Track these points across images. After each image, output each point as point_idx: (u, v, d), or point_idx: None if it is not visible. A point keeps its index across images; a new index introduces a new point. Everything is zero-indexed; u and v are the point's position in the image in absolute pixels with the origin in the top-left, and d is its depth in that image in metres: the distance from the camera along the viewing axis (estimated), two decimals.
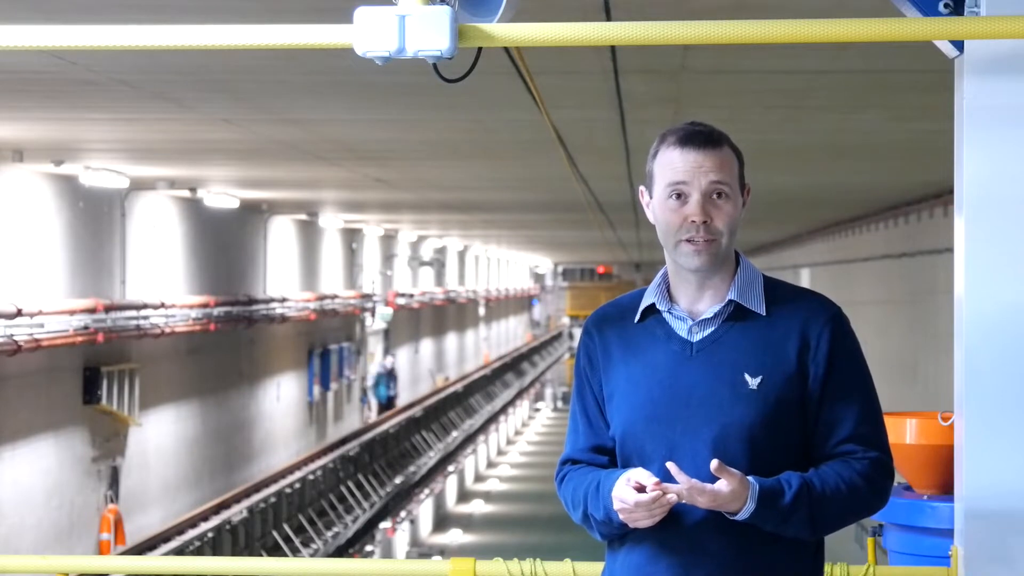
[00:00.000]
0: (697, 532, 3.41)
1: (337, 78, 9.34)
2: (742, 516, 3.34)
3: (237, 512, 19.82)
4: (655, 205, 3.51)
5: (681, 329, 3.50)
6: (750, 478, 3.34)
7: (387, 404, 33.85)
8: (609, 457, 3.55)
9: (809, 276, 32.30)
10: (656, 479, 3.34)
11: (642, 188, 3.57)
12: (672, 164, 3.47)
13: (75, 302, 15.87)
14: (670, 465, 3.32)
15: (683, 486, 3.30)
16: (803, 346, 3.46)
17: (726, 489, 3.30)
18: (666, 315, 3.52)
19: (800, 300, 3.53)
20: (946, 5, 4.00)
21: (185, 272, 20.34)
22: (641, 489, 3.34)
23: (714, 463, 3.30)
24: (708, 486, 3.30)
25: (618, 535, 3.50)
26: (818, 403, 3.47)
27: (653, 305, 3.54)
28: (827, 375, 3.46)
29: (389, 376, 34.10)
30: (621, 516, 3.37)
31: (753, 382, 3.43)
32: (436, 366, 43.38)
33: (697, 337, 3.49)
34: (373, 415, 32.84)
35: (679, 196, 3.46)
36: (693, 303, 3.52)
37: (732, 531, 3.40)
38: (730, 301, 3.49)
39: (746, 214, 3.54)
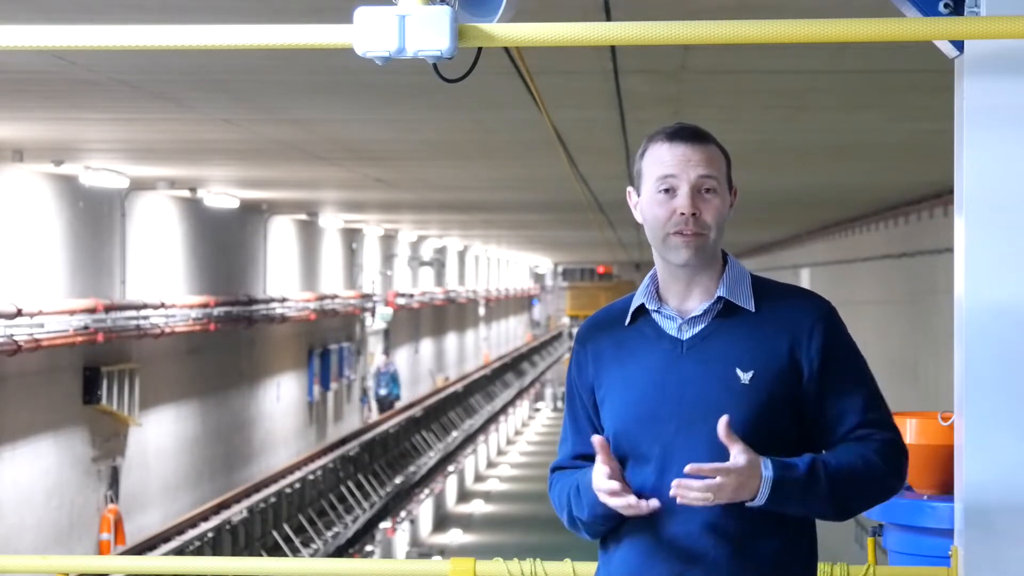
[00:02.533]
0: (692, 531, 3.41)
1: (337, 78, 9.34)
2: (763, 491, 3.32)
3: (237, 512, 19.82)
4: (643, 202, 3.52)
5: (671, 328, 3.51)
6: (760, 457, 3.33)
7: (380, 404, 33.72)
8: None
9: (809, 276, 32.30)
10: (600, 439, 3.39)
11: (629, 189, 3.58)
12: (661, 159, 3.48)
13: (75, 302, 15.87)
14: (690, 467, 3.29)
15: (707, 485, 3.28)
16: (794, 342, 3.47)
17: (743, 460, 3.28)
18: (655, 315, 3.53)
19: (789, 297, 3.54)
20: (946, 5, 4.00)
21: (185, 272, 20.34)
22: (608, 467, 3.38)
23: (722, 425, 3.28)
24: (729, 465, 3.27)
25: (606, 533, 3.51)
26: (818, 399, 3.47)
27: (643, 306, 3.55)
28: (823, 370, 3.46)
29: (379, 376, 33.89)
30: (611, 503, 3.37)
31: (745, 377, 3.43)
32: (436, 366, 43.38)
33: (687, 335, 3.50)
34: (373, 415, 32.82)
35: (668, 190, 3.47)
36: (682, 302, 3.52)
37: (727, 529, 3.40)
38: (719, 298, 3.50)
39: (733, 215, 3.55)
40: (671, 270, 3.52)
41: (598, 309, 3.72)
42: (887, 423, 3.50)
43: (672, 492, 3.30)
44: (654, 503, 3.38)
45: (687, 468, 3.29)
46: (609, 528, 3.49)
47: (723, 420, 3.30)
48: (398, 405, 34.60)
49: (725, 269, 3.53)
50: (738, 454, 3.29)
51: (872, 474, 3.43)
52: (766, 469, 3.32)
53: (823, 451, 3.48)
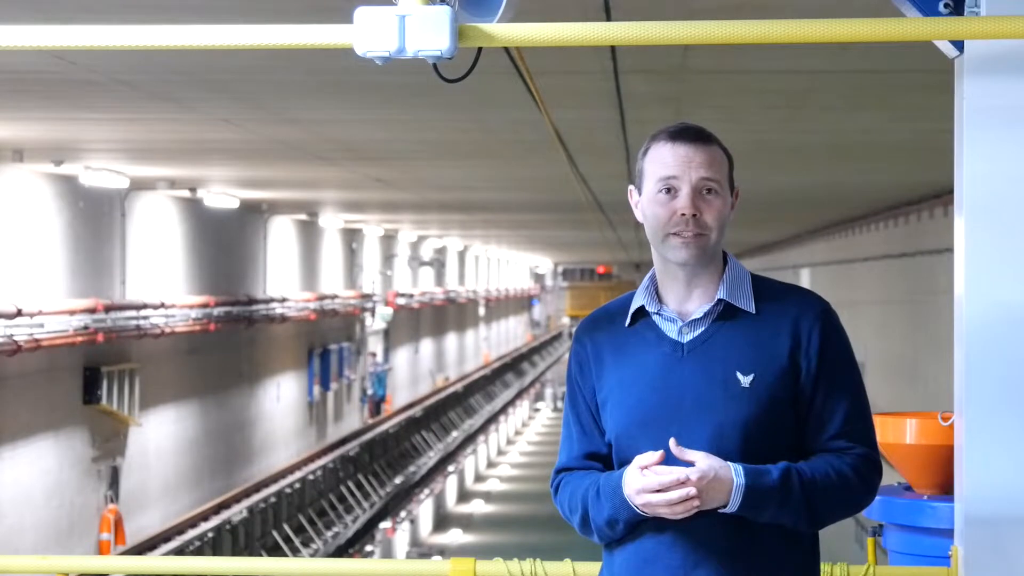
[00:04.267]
0: (693, 534, 3.40)
1: (337, 78, 9.34)
2: (735, 497, 3.32)
3: (237, 512, 19.82)
4: (644, 201, 3.52)
5: (671, 330, 3.50)
6: (728, 463, 3.34)
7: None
8: (603, 464, 3.54)
9: (809, 276, 32.29)
10: (660, 452, 3.34)
11: (631, 187, 3.58)
12: (663, 159, 3.48)
13: (75, 302, 15.86)
14: (648, 478, 3.32)
15: (667, 500, 3.30)
16: (794, 342, 3.46)
17: (704, 462, 3.30)
18: (655, 317, 3.52)
19: (789, 297, 3.54)
20: (946, 5, 4.00)
21: (185, 272, 20.34)
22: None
23: (672, 445, 3.31)
24: (686, 472, 3.29)
25: (619, 537, 3.49)
26: (810, 399, 3.47)
27: (643, 308, 3.54)
28: (818, 371, 3.46)
29: (369, 376, 33.76)
30: (645, 508, 3.34)
31: (745, 380, 3.43)
32: (436, 366, 43.38)
33: (688, 338, 3.49)
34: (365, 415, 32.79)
35: (669, 190, 3.47)
36: (682, 303, 3.52)
37: (728, 532, 3.39)
38: (719, 300, 3.49)
39: (735, 217, 3.55)
40: (670, 270, 3.51)
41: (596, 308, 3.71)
42: (866, 437, 3.50)
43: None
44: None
45: (649, 479, 3.31)
46: (624, 534, 3.47)
47: (671, 441, 3.33)
48: (396, 405, 34.58)
49: (725, 270, 3.53)
50: (698, 460, 3.31)
51: (846, 488, 3.44)
52: (737, 476, 3.33)
53: (802, 451, 3.49)
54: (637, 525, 3.43)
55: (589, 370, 3.57)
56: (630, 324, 3.54)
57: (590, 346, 3.58)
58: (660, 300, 3.53)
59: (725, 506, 3.34)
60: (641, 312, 3.54)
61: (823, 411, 3.47)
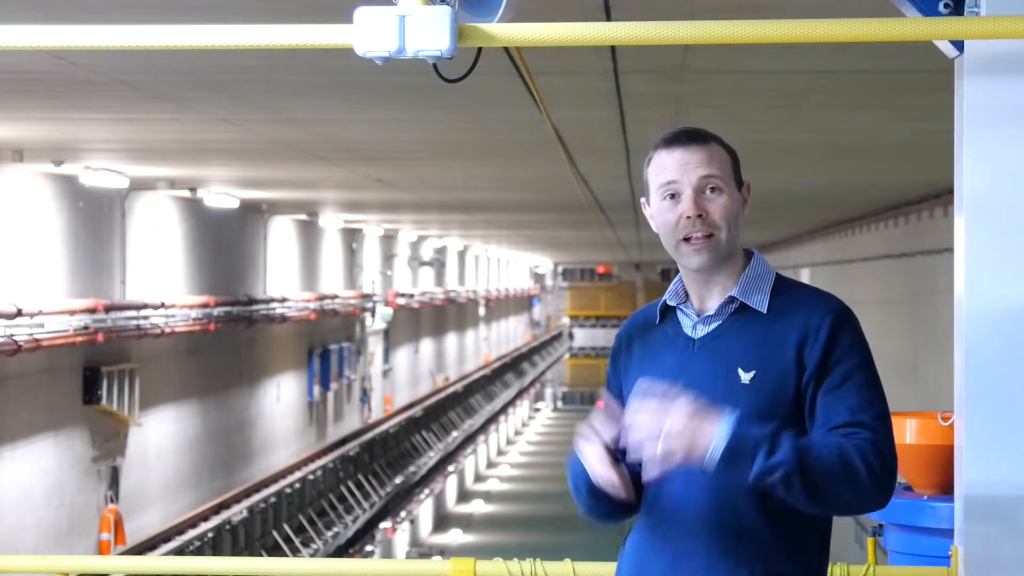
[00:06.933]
0: (696, 522, 3.43)
1: (337, 78, 9.34)
2: (718, 439, 3.23)
3: (237, 512, 19.83)
4: (653, 211, 3.56)
5: (687, 326, 3.56)
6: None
7: None
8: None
9: (809, 276, 32.30)
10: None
11: (643, 200, 3.62)
12: (662, 166, 3.52)
13: (75, 302, 15.86)
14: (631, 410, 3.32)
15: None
16: (803, 340, 3.45)
17: (686, 404, 3.24)
18: (678, 313, 3.59)
19: (805, 297, 3.53)
20: (946, 5, 4.00)
21: (185, 272, 20.33)
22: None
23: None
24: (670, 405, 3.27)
25: (597, 512, 3.53)
26: (814, 393, 3.43)
27: (669, 304, 3.61)
28: (823, 364, 3.42)
29: None
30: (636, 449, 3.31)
31: (745, 377, 3.44)
32: (436, 366, 43.38)
33: (700, 333, 3.54)
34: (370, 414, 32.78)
35: (672, 196, 3.51)
36: (702, 301, 3.57)
37: (730, 518, 3.40)
38: (731, 297, 3.52)
39: (748, 211, 3.56)
40: (689, 273, 3.56)
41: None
42: (877, 428, 3.37)
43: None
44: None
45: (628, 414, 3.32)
46: (591, 503, 3.52)
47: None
48: (398, 405, 34.57)
49: (747, 268, 3.54)
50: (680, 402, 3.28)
51: (845, 466, 3.29)
52: (725, 422, 3.25)
53: None
54: (644, 514, 3.49)
55: (619, 365, 3.65)
56: (660, 321, 3.61)
57: (624, 341, 3.66)
58: (687, 296, 3.59)
59: (708, 450, 3.25)
60: (669, 308, 3.61)
61: (829, 404, 3.41)
